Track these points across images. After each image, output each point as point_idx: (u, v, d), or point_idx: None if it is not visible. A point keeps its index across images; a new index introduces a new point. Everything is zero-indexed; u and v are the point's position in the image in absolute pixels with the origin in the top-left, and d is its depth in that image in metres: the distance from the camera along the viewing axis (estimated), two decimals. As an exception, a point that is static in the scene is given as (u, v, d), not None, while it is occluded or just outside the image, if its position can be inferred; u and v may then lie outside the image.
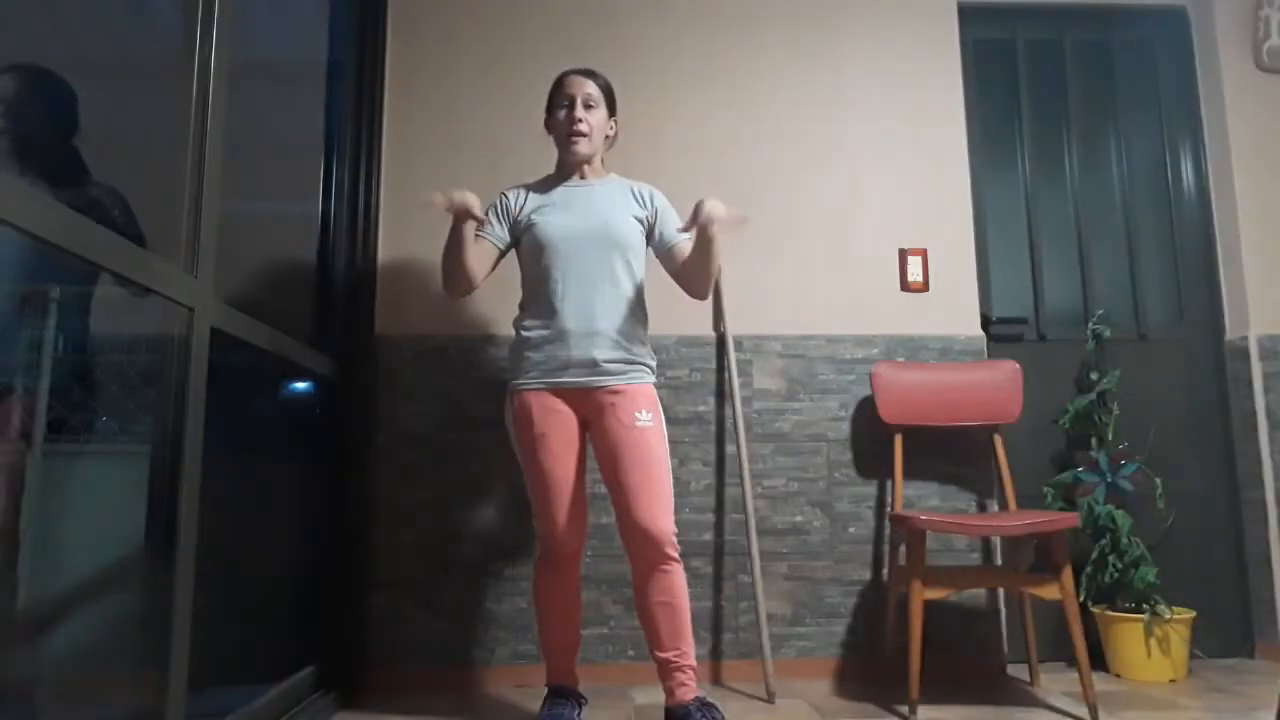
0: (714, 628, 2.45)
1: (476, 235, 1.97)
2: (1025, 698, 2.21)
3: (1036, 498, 2.60)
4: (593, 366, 1.89)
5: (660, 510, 1.84)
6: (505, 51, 2.67)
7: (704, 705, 1.83)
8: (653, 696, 2.16)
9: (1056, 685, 2.33)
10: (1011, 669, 2.47)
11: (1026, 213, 2.86)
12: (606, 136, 2.07)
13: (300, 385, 2.30)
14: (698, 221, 1.81)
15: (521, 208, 2.02)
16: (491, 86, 2.65)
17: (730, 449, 2.52)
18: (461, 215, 1.84)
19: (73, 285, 1.54)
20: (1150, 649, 2.37)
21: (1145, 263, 2.86)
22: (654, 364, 1.99)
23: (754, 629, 2.40)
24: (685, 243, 1.99)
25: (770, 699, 2.20)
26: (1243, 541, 2.69)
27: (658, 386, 2.01)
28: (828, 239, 2.65)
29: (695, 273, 1.94)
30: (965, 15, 2.82)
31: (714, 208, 1.80)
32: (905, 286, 2.63)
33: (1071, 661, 2.47)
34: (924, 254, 2.64)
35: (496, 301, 2.45)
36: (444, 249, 1.93)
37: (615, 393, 1.89)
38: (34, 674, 1.41)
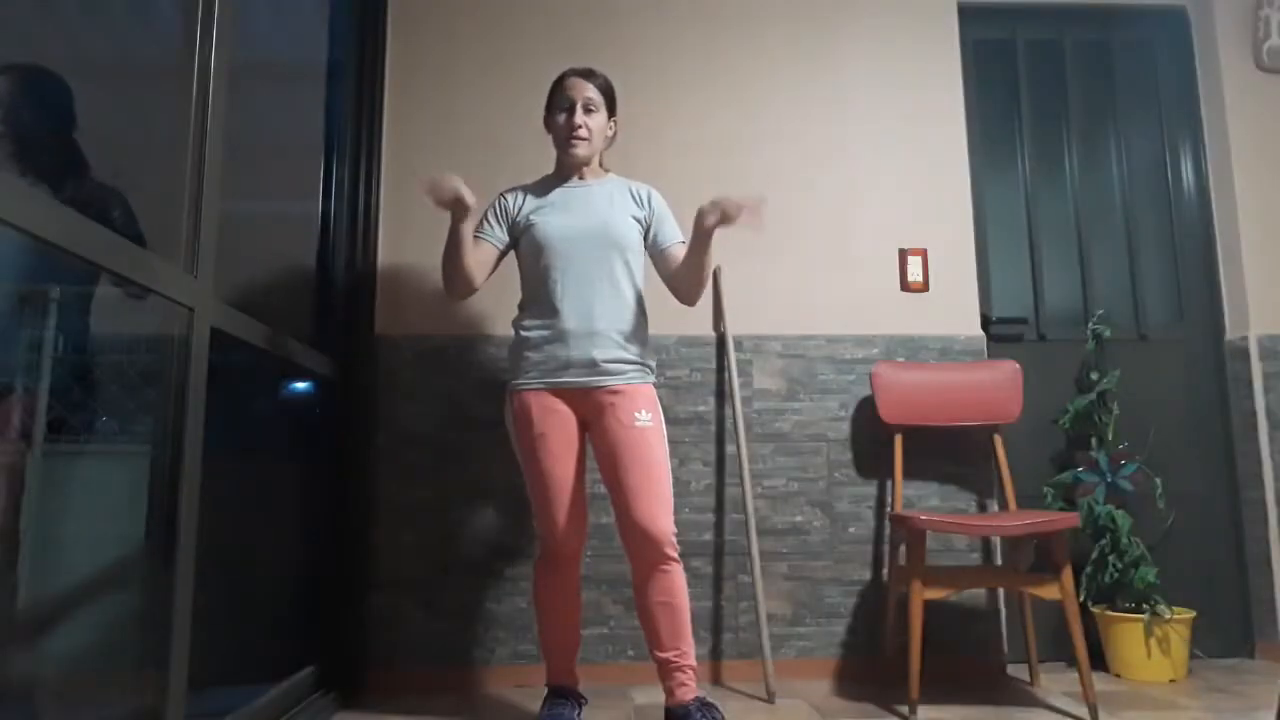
0: (714, 628, 2.45)
1: (476, 237, 1.97)
2: (1025, 698, 2.21)
3: (1036, 498, 2.60)
4: (592, 366, 1.89)
5: (660, 510, 1.84)
6: (505, 51, 2.67)
7: (704, 705, 1.83)
8: (653, 696, 2.16)
9: (1056, 685, 2.33)
10: (1011, 669, 2.47)
11: (1026, 213, 2.86)
12: (606, 137, 2.07)
13: (300, 385, 2.30)
14: (708, 222, 1.79)
15: (520, 209, 2.02)
16: (491, 86, 2.65)
17: (730, 449, 2.52)
18: (449, 204, 1.80)
19: (73, 285, 1.54)
20: (1150, 649, 2.37)
21: (1145, 263, 2.86)
22: (654, 364, 2.00)
23: (754, 629, 2.40)
24: (678, 247, 1.99)
25: (770, 699, 2.20)
26: (1243, 541, 2.69)
27: (658, 386, 2.01)
28: (828, 239, 2.65)
29: (686, 277, 1.95)
30: (965, 15, 2.82)
31: (727, 203, 1.76)
32: (905, 286, 2.64)
33: (1071, 661, 2.47)
34: (924, 254, 2.65)
35: (496, 301, 2.45)
36: (444, 250, 1.93)
37: (615, 393, 1.89)
38: (34, 674, 1.41)
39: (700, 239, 1.86)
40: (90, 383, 1.59)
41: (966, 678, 2.39)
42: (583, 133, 1.98)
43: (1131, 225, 2.88)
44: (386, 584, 2.40)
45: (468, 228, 1.90)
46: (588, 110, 1.99)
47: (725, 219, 1.78)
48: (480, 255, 1.97)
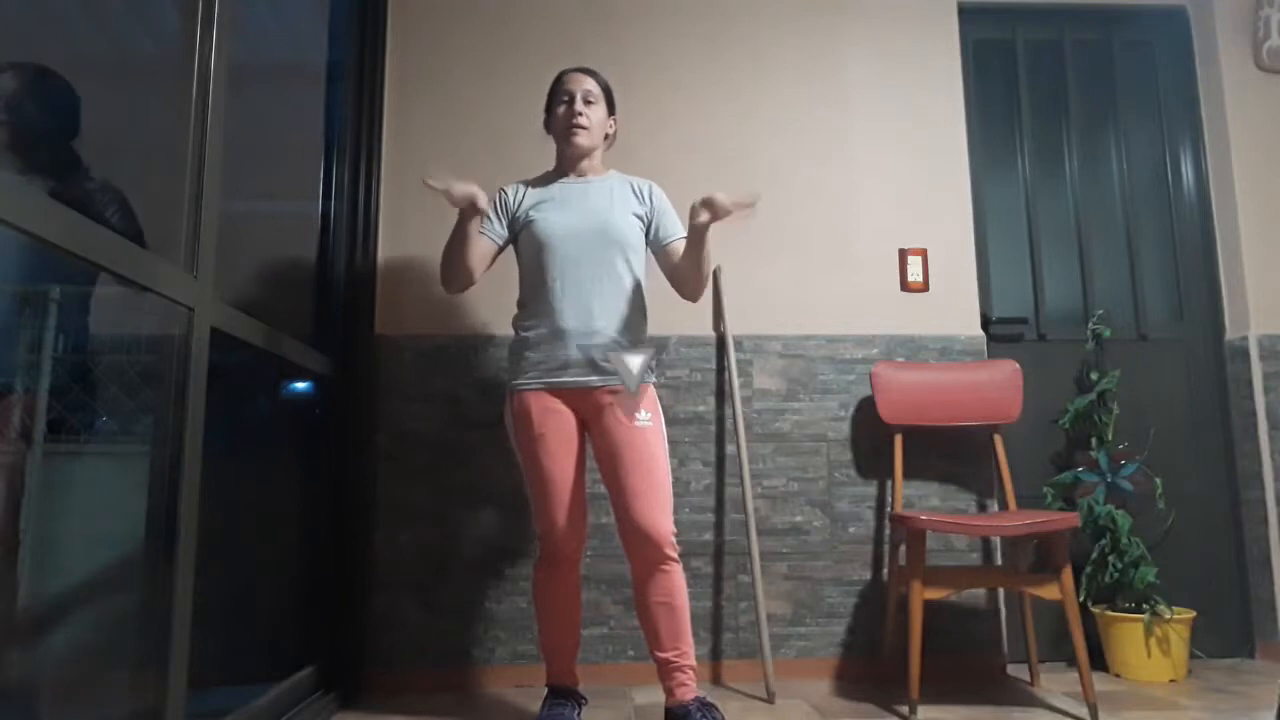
0: (714, 628, 2.45)
1: (478, 232, 1.97)
2: (1025, 698, 2.21)
3: (1036, 498, 2.60)
4: (592, 366, 1.89)
5: (660, 510, 1.84)
6: (505, 51, 2.67)
7: (704, 705, 1.83)
8: (653, 696, 2.16)
9: (1056, 685, 2.33)
10: (1011, 669, 2.47)
11: (1026, 213, 2.86)
12: (606, 135, 2.07)
13: (300, 385, 2.30)
14: (699, 220, 1.80)
15: (520, 204, 2.02)
16: (491, 86, 2.65)
17: (730, 449, 2.52)
18: (463, 206, 1.82)
19: (73, 285, 1.54)
20: (1150, 649, 2.37)
21: (1145, 263, 2.86)
22: (654, 363, 1.99)
23: (754, 629, 2.40)
24: (679, 242, 1.99)
25: (770, 699, 2.20)
26: (1243, 541, 2.69)
27: (658, 386, 2.02)
28: (828, 239, 2.65)
29: (687, 272, 1.94)
30: (965, 15, 2.82)
31: (718, 200, 1.77)
32: (905, 286, 2.64)
33: (1071, 661, 2.47)
34: (924, 254, 2.65)
35: (496, 301, 2.44)
36: (447, 244, 1.92)
37: (614, 392, 1.89)
38: (34, 674, 1.41)
39: (695, 235, 1.86)
40: (90, 383, 1.59)
41: (966, 678, 2.39)
42: (583, 121, 1.99)
43: (1131, 225, 2.88)
44: (386, 584, 2.40)
45: (473, 223, 1.90)
46: (587, 102, 2.00)
47: (716, 216, 1.79)
48: (479, 250, 1.97)
